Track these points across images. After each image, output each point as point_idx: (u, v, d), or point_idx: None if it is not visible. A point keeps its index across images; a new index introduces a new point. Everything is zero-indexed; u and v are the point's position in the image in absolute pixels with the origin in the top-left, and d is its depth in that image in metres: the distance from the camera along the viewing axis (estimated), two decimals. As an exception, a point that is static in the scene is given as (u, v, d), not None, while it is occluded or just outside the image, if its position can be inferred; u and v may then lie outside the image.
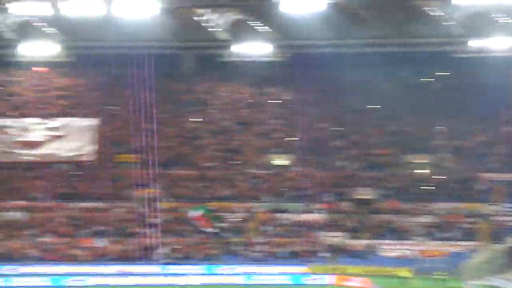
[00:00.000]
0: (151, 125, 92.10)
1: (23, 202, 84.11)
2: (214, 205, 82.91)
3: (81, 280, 72.60)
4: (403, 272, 72.18)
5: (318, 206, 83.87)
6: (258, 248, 78.80)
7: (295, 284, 72.91)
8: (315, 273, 74.17)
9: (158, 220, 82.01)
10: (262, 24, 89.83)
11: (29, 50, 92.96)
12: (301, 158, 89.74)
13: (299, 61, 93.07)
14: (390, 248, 78.57)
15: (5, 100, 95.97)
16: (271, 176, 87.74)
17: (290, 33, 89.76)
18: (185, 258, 77.53)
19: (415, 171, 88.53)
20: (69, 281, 72.53)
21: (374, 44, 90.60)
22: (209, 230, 78.17)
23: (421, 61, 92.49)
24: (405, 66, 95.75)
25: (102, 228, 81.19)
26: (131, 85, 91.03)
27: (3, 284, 71.69)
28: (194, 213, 76.76)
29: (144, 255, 77.52)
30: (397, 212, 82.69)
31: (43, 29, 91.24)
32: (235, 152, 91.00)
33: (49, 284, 72.25)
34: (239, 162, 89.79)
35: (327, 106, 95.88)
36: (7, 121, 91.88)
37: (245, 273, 74.12)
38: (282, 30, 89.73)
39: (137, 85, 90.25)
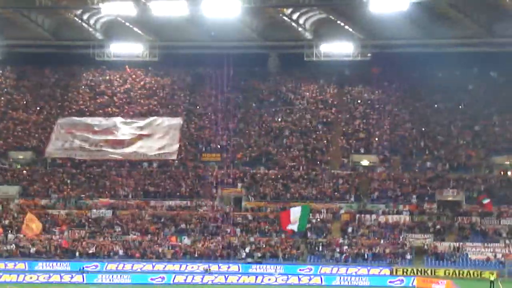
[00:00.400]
0: (235, 124, 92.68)
1: (110, 200, 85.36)
2: (298, 205, 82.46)
3: (164, 278, 73.24)
4: (489, 275, 70.74)
5: (402, 207, 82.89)
6: (341, 249, 78.29)
7: (378, 286, 72.08)
8: (399, 275, 73.32)
9: (241, 219, 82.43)
10: (346, 23, 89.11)
11: (117, 49, 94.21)
12: (385, 159, 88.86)
13: (384, 61, 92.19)
14: (476, 251, 77.19)
15: (94, 99, 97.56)
16: (355, 177, 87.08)
17: (375, 32, 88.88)
18: (268, 257, 77.53)
19: (502, 173, 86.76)
20: (153, 279, 73.26)
21: (460, 44, 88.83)
22: (291, 229, 77.68)
23: (508, 61, 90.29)
24: (492, 66, 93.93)
25: (186, 226, 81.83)
26: (216, 85, 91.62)
27: (87, 280, 73.03)
28: (295, 210, 76.38)
29: (228, 254, 77.84)
30: (484, 214, 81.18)
31: (130, 28, 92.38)
32: (319, 151, 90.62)
33: (133, 281, 73.10)
34: (323, 162, 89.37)
35: (412, 106, 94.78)
36: (96, 120, 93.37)
37: (327, 274, 73.78)
38: (367, 29, 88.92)
39: (221, 84, 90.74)
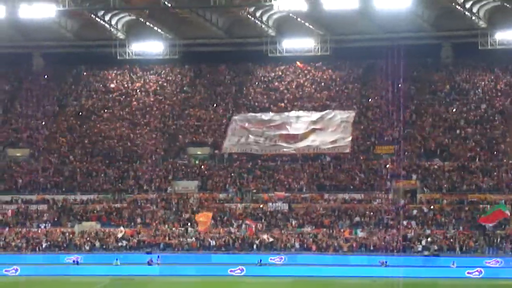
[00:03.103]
0: (408, 115, 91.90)
1: (285, 193, 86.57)
2: (474, 196, 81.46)
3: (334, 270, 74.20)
4: None
5: None
6: (520, 241, 76.61)
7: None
8: None
9: (417, 212, 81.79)
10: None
11: (289, 45, 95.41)
12: None
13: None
14: None
15: (268, 95, 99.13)
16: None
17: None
18: (445, 250, 76.70)
19: None
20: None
21: None
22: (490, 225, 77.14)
23: None
24: None
25: (361, 219, 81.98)
26: (388, 76, 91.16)
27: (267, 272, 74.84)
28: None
29: (403, 246, 77.47)
30: None
31: (301, 24, 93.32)
32: (496, 142, 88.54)
33: (311, 274, 74.18)
34: (500, 152, 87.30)
35: None
36: (269, 115, 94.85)
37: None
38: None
39: (393, 76, 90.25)
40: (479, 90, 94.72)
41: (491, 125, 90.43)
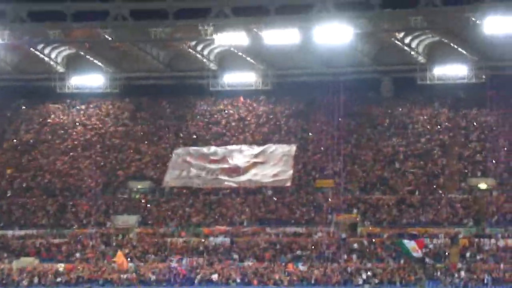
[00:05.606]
0: (349, 149, 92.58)
1: (227, 227, 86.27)
2: (414, 230, 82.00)
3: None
4: None
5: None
6: (460, 274, 77.09)
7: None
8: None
9: (357, 245, 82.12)
10: (460, 46, 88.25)
11: (230, 79, 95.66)
12: (503, 182, 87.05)
13: (499, 83, 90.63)
14: None
15: (209, 129, 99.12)
16: (473, 200, 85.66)
17: (489, 54, 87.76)
18: (386, 283, 77.03)
19: None
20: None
21: None
22: (418, 255, 77.36)
23: None
24: None
25: (303, 252, 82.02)
26: (328, 111, 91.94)
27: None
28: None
29: (344, 280, 77.66)
30: None
31: (243, 58, 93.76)
32: (435, 176, 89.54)
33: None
34: (439, 186, 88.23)
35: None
36: (211, 149, 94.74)
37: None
38: (481, 51, 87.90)
39: (334, 110, 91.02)
40: (418, 124, 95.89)
41: (430, 159, 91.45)
